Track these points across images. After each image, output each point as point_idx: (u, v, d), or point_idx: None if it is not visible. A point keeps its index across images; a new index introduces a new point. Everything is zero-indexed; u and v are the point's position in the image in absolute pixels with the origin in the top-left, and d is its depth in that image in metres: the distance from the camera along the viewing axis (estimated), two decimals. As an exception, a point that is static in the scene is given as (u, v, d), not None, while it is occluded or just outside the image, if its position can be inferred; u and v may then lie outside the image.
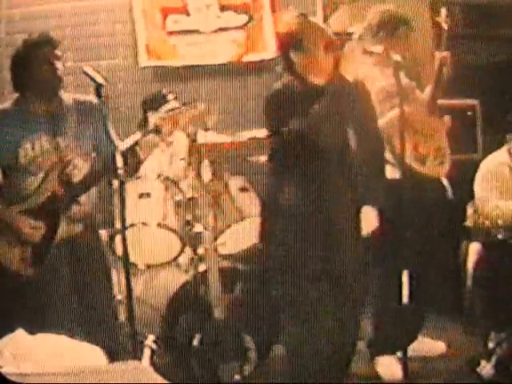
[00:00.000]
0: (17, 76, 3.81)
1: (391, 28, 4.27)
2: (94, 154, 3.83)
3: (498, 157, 4.85)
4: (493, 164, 4.83)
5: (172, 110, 4.73)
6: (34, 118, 3.76)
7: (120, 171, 3.56)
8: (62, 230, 3.73)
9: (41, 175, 3.72)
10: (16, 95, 3.84)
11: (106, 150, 3.66)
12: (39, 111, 3.77)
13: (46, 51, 3.74)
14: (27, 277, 3.69)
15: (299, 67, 3.60)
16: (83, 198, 3.79)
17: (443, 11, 4.41)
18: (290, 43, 3.59)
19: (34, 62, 3.73)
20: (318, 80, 3.60)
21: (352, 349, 3.60)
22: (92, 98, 3.70)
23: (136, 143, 3.68)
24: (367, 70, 4.23)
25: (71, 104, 3.80)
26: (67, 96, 3.82)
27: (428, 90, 4.40)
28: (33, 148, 3.73)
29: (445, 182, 4.46)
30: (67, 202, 3.72)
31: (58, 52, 3.76)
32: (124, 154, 3.56)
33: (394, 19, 4.30)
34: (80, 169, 3.77)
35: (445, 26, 4.38)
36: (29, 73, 3.75)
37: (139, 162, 3.73)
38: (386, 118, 4.09)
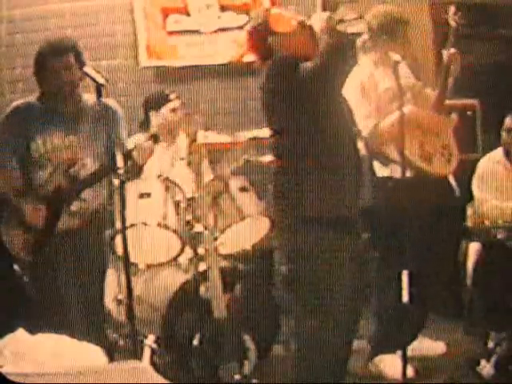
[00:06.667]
0: (38, 75, 3.93)
1: (392, 30, 4.26)
2: (103, 156, 3.94)
3: (494, 157, 4.87)
4: (488, 164, 4.85)
5: (173, 109, 4.77)
6: (51, 115, 3.89)
7: (120, 171, 3.59)
8: (63, 222, 3.85)
9: (50, 169, 3.86)
10: (39, 92, 3.97)
11: (116, 152, 3.75)
12: (57, 110, 3.90)
13: (66, 56, 3.84)
14: (27, 262, 3.83)
15: (279, 46, 3.51)
16: (89, 196, 3.91)
17: (452, 9, 4.39)
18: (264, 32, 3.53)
19: (54, 66, 3.84)
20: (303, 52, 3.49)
21: (348, 348, 3.60)
22: (110, 101, 3.92)
23: (134, 147, 3.81)
24: (370, 71, 4.24)
25: (89, 104, 3.90)
26: (87, 96, 3.91)
27: (437, 90, 4.39)
28: (44, 144, 3.87)
29: (452, 179, 4.46)
30: (71, 196, 3.86)
31: (78, 57, 3.86)
32: (125, 156, 3.70)
33: (394, 20, 4.29)
34: (89, 168, 3.89)
35: (452, 24, 4.36)
36: (48, 74, 3.87)
37: (138, 167, 3.90)
38: (392, 118, 4.09)
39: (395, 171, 4.15)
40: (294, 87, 3.39)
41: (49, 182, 3.84)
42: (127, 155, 3.75)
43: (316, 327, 3.45)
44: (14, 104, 3.96)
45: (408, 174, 3.94)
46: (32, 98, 3.96)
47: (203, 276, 4.12)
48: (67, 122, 3.88)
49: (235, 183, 4.53)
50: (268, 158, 3.84)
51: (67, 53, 3.84)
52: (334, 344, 3.45)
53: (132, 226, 4.20)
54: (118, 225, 4.03)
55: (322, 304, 3.42)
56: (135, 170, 3.93)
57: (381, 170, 4.20)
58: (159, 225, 4.32)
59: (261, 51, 3.56)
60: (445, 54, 4.34)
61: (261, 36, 3.54)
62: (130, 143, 4.04)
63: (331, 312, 3.42)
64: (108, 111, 3.92)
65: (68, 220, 3.86)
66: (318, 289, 3.43)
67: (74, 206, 3.87)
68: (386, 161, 4.20)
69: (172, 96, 4.83)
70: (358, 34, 3.47)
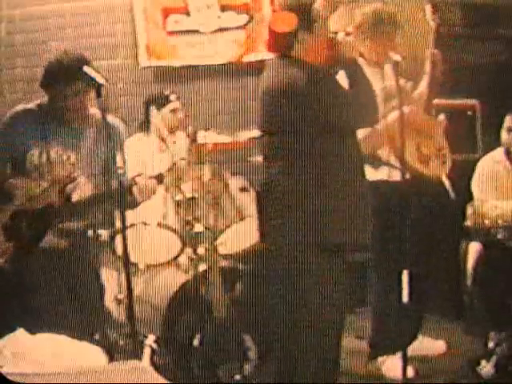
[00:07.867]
0: (44, 88, 3.82)
1: (371, 27, 4.24)
2: (100, 177, 3.85)
3: (494, 156, 4.88)
4: (488, 164, 4.86)
5: (173, 110, 4.78)
6: (51, 127, 3.79)
7: (120, 171, 3.57)
8: (49, 239, 3.76)
9: (44, 184, 3.76)
10: (41, 100, 3.86)
11: (113, 175, 3.63)
12: (59, 121, 3.80)
13: (76, 84, 3.72)
14: (4, 268, 3.74)
15: (299, 49, 3.49)
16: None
17: (427, 8, 4.38)
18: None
19: (62, 91, 3.74)
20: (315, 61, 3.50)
21: (338, 347, 3.59)
22: (117, 121, 3.81)
23: (135, 183, 3.70)
24: (364, 71, 4.24)
25: (93, 121, 3.81)
26: (93, 111, 3.80)
27: (419, 89, 4.39)
28: (40, 156, 3.78)
29: (446, 182, 4.47)
30: (61, 216, 3.76)
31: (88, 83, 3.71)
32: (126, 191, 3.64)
33: (376, 18, 4.26)
34: (82, 188, 3.78)
35: (431, 24, 4.35)
36: (56, 94, 3.76)
37: (135, 204, 3.77)
38: (388, 120, 4.09)
39: (392, 174, 4.14)
40: (299, 99, 3.40)
41: (41, 197, 3.75)
42: (127, 190, 3.66)
43: (302, 327, 3.44)
44: (14, 110, 3.86)
45: (403, 176, 3.94)
46: (32, 105, 3.85)
47: (203, 276, 4.12)
48: (68, 136, 3.79)
49: (235, 183, 4.53)
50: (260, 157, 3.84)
51: (77, 81, 3.72)
52: (322, 344, 3.44)
53: (132, 225, 4.20)
54: (118, 225, 4.03)
55: (305, 302, 3.42)
56: (133, 205, 3.80)
57: (373, 173, 4.18)
58: (159, 225, 4.33)
59: (278, 49, 3.55)
60: (427, 54, 4.33)
61: (275, 34, 3.53)
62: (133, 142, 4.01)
63: (317, 311, 3.42)
64: (110, 131, 3.70)
65: (53, 238, 3.77)
66: (303, 288, 3.43)
67: (62, 225, 3.78)
68: (377, 163, 4.19)
69: (172, 97, 4.84)
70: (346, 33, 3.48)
